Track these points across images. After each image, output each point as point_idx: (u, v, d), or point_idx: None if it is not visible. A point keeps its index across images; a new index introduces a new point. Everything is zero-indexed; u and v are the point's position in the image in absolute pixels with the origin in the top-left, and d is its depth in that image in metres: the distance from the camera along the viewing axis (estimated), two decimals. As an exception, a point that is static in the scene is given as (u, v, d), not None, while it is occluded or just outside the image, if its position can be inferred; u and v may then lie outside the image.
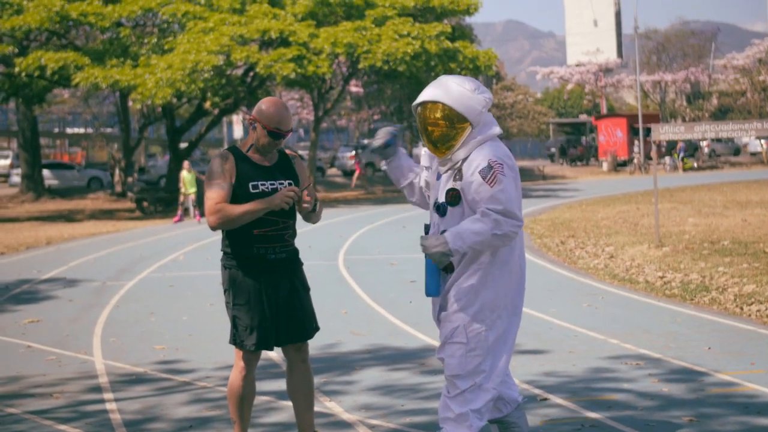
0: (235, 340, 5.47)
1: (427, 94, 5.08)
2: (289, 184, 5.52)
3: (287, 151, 5.69)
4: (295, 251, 5.59)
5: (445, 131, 5.05)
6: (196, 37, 30.48)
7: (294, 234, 5.56)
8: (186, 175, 28.16)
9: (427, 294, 5.06)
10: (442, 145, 5.07)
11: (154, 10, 31.83)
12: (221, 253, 5.58)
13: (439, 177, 5.15)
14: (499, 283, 5.03)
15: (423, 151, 5.46)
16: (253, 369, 5.54)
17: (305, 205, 5.38)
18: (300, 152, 52.28)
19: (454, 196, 4.99)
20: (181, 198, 28.72)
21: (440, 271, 5.05)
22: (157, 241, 21.37)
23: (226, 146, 64.29)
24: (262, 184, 5.41)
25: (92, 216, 33.15)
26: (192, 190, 28.08)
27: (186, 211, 28.57)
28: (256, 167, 5.45)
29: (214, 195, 5.33)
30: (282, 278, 5.48)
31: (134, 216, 32.39)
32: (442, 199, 5.06)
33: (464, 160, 5.00)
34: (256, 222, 5.37)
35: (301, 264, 5.63)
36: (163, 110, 37.69)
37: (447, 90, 5.05)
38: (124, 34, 31.89)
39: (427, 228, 5.17)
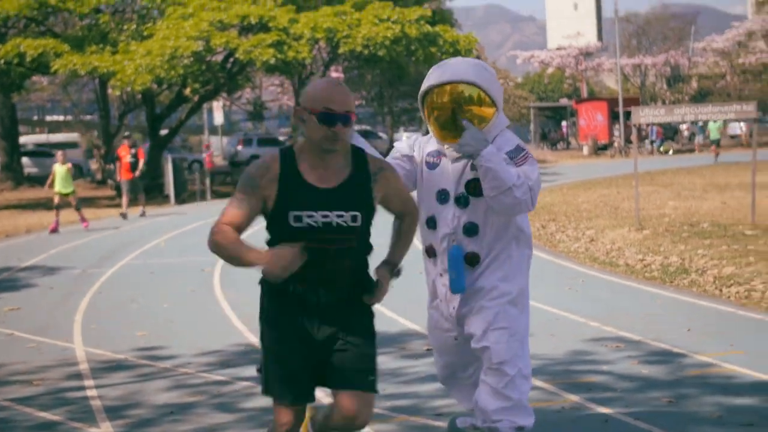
0: (267, 389, 4.16)
1: (461, 73, 4.72)
2: (352, 219, 3.97)
3: (369, 157, 4.14)
4: (354, 291, 4.09)
5: (476, 114, 4.75)
6: (176, 23, 30.32)
7: (357, 260, 4.13)
8: (58, 169, 20.70)
9: (455, 291, 4.73)
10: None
11: (133, -5, 31.73)
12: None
13: (433, 167, 4.79)
14: (524, 273, 4.89)
15: (404, 137, 5.37)
16: (297, 427, 4.17)
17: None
18: (281, 138, 51.92)
19: (478, 187, 4.67)
20: (56, 199, 20.84)
21: (465, 267, 4.74)
22: (137, 228, 21.30)
23: (206, 134, 64.42)
24: (309, 216, 3.91)
25: (72, 203, 32.95)
26: (67, 189, 20.64)
27: (78, 208, 21.26)
28: (307, 188, 3.94)
29: (227, 212, 3.99)
30: (327, 324, 4.09)
31: (114, 203, 32.23)
32: (461, 189, 4.73)
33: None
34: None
35: (370, 311, 4.21)
36: (143, 97, 37.49)
37: (479, 71, 4.77)
38: (103, 21, 31.68)
39: (430, 220, 4.81)
